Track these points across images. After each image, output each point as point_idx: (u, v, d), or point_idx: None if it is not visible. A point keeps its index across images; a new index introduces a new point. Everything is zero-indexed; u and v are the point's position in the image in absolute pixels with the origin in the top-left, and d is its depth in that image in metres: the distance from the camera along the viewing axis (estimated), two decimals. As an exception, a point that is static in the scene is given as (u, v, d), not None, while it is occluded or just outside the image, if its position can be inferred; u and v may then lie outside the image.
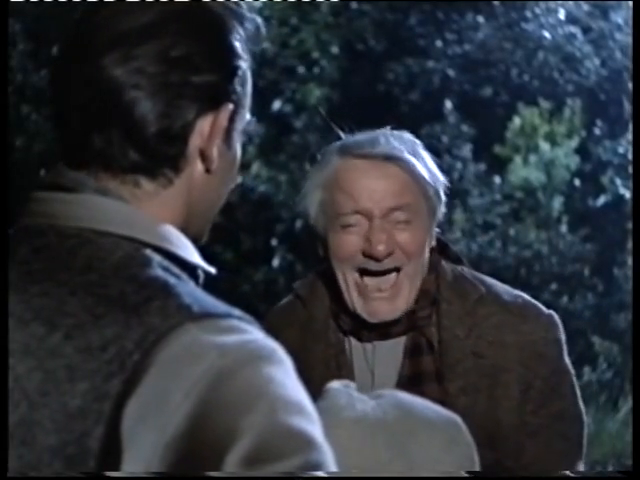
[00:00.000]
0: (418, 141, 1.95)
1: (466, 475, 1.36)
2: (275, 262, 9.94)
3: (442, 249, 1.99)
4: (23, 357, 1.04)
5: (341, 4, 10.82)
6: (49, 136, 8.23)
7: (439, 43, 11.05)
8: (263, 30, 1.24)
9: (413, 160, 1.87)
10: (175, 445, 0.98)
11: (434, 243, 1.94)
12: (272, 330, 2.00)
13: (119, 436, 1.00)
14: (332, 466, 1.01)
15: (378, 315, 1.89)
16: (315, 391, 1.78)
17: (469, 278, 1.97)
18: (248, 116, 1.24)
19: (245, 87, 1.20)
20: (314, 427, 1.01)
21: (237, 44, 1.18)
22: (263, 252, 9.88)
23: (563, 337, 1.95)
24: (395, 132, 1.95)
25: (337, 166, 1.90)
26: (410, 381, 1.90)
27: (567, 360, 1.95)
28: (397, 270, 1.88)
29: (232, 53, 1.17)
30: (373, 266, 1.87)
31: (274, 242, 10.01)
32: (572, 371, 1.96)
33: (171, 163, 1.15)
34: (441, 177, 1.91)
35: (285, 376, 1.03)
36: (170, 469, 0.98)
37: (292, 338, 1.94)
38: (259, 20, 1.24)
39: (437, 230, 1.96)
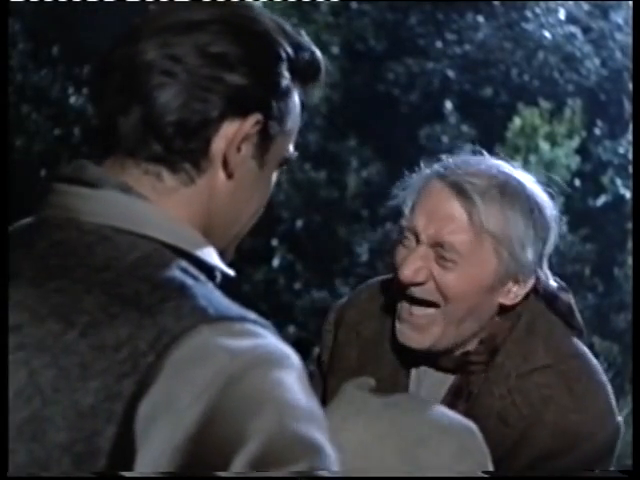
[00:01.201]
0: (531, 192, 1.75)
1: (467, 476, 1.35)
2: (275, 262, 9.94)
3: (549, 301, 1.83)
4: (38, 353, 1.04)
5: (341, 4, 10.81)
6: (49, 136, 8.23)
7: (439, 43, 11.04)
8: (322, 65, 1.23)
9: (479, 204, 1.70)
10: (183, 448, 0.99)
11: (516, 300, 1.77)
12: (354, 314, 1.93)
13: (133, 436, 1.00)
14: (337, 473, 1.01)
15: (403, 338, 1.79)
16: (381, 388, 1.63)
17: (548, 344, 1.79)
18: (291, 150, 1.23)
19: (284, 107, 1.19)
20: (321, 434, 1.01)
21: (280, 62, 1.17)
22: (263, 252, 9.87)
23: (613, 449, 1.76)
24: (505, 174, 1.76)
25: (426, 177, 1.78)
26: None
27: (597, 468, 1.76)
28: (434, 305, 1.76)
29: (271, 66, 1.17)
30: (406, 291, 1.76)
31: (274, 242, 10.00)
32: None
33: (192, 159, 1.15)
34: (527, 244, 1.73)
35: (295, 381, 1.03)
36: (178, 470, 0.99)
37: (370, 329, 1.91)
38: (319, 55, 1.23)
39: (556, 283, 1.80)
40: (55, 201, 1.15)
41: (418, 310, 1.77)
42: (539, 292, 1.82)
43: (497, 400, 1.77)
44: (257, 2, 1.22)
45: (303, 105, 1.23)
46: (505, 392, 1.77)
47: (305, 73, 1.21)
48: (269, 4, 9.73)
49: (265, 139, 1.18)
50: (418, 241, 1.74)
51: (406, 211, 1.79)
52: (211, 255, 1.17)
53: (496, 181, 1.73)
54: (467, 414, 1.72)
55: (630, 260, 9.64)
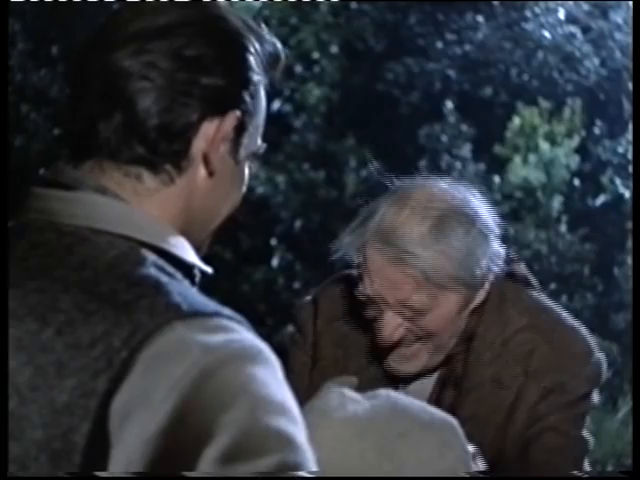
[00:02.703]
0: (461, 207, 1.80)
1: (460, 476, 1.35)
2: (274, 262, 9.94)
3: (508, 275, 1.91)
4: (16, 352, 1.05)
5: (341, 4, 10.81)
6: (48, 136, 8.23)
7: (439, 43, 11.04)
8: (283, 55, 1.26)
9: (422, 263, 1.75)
10: (156, 440, 1.00)
11: (484, 297, 1.85)
12: (329, 306, 1.99)
13: (106, 433, 1.01)
14: (312, 467, 1.01)
15: (394, 371, 1.87)
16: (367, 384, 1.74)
17: (519, 307, 1.89)
18: (259, 141, 1.25)
19: (256, 101, 1.22)
20: (295, 428, 1.02)
21: (250, 57, 1.20)
22: (262, 252, 9.88)
23: (598, 383, 1.87)
24: (435, 208, 1.79)
25: (366, 240, 1.82)
26: None
27: (588, 404, 1.87)
28: (418, 341, 1.84)
29: (244, 63, 1.20)
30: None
31: (273, 242, 10.01)
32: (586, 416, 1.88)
33: (173, 160, 1.16)
34: (478, 258, 1.79)
35: (269, 376, 1.04)
36: (149, 465, 1.00)
37: (347, 325, 1.96)
38: (279, 45, 1.26)
39: (506, 255, 1.88)
40: (34, 205, 1.16)
41: (403, 346, 1.84)
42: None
43: (488, 366, 1.86)
44: (257, 2, 1.23)
45: (268, 94, 1.26)
46: (494, 357, 1.86)
47: (269, 63, 1.25)
48: (269, 4, 9.72)
49: (240, 134, 1.21)
50: (384, 304, 1.81)
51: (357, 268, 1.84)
52: (187, 253, 1.18)
53: (429, 225, 1.77)
54: (461, 388, 1.85)
55: (629, 260, 9.64)
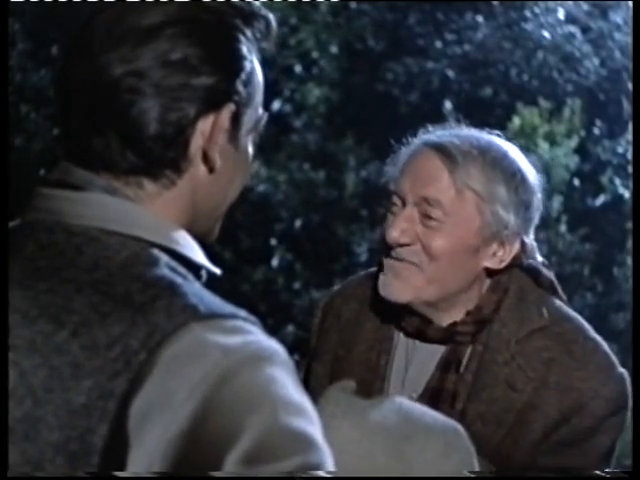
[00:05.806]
0: (513, 158, 1.83)
1: (465, 476, 1.36)
2: (274, 262, 9.94)
3: (533, 276, 1.89)
4: (29, 353, 1.05)
5: (340, 4, 10.81)
6: (48, 136, 8.23)
7: (438, 43, 11.04)
8: (274, 27, 1.23)
9: (461, 161, 1.78)
10: (177, 443, 0.99)
11: (502, 265, 1.83)
12: (339, 299, 2.00)
13: (125, 434, 1.01)
14: (330, 467, 1.02)
15: (385, 291, 1.83)
16: (355, 369, 1.85)
17: (539, 309, 1.85)
18: (260, 112, 1.23)
19: (250, 87, 1.19)
20: (314, 428, 1.03)
21: (240, 45, 1.17)
22: (262, 251, 9.87)
23: (622, 402, 1.80)
24: (487, 140, 1.85)
25: (417, 149, 1.86)
26: (432, 394, 1.84)
27: (613, 430, 1.80)
28: (416, 265, 1.81)
29: (233, 54, 1.17)
30: (392, 251, 1.82)
31: (273, 242, 10.00)
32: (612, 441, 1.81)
33: (172, 165, 1.15)
34: (509, 205, 1.80)
35: (286, 377, 1.04)
36: (171, 467, 0.99)
37: (350, 311, 1.96)
38: (270, 17, 1.22)
39: (538, 260, 1.87)
40: (42, 205, 1.15)
41: (402, 263, 1.81)
42: (523, 265, 1.88)
43: (503, 367, 1.81)
44: (256, 2, 1.21)
45: (262, 61, 1.23)
46: (509, 358, 1.81)
47: (261, 39, 1.22)
48: (269, 4, 9.73)
49: (237, 123, 1.19)
50: (404, 204, 1.81)
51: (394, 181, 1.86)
52: (197, 254, 1.18)
53: (477, 144, 1.81)
54: (473, 385, 1.81)
55: (629, 260, 9.64)
